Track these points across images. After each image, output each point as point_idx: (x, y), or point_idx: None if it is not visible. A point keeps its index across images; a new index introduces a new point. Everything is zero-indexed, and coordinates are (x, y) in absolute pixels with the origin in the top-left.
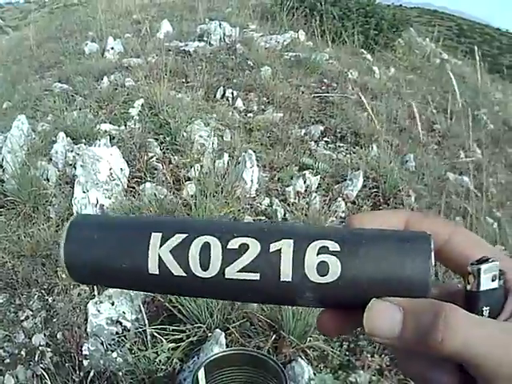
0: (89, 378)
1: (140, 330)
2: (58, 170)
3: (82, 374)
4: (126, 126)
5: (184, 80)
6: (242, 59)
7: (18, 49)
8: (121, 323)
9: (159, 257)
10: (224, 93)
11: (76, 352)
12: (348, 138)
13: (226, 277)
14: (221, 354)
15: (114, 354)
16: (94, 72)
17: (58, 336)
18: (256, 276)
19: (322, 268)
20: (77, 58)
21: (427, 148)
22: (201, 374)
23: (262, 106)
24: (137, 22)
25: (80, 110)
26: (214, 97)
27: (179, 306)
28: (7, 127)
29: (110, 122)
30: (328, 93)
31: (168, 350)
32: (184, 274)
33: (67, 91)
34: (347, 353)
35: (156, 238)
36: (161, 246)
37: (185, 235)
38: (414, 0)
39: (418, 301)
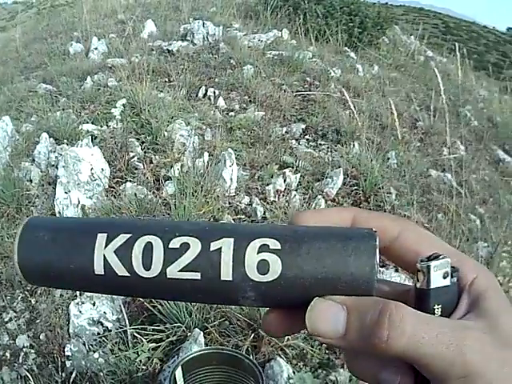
0: (71, 379)
1: (121, 330)
2: (41, 171)
3: (64, 374)
4: (107, 125)
5: (166, 79)
6: (224, 58)
7: (4, 50)
8: (102, 324)
9: (104, 257)
10: (206, 92)
11: (59, 353)
12: (329, 136)
13: (168, 276)
14: (198, 353)
15: (96, 355)
16: (78, 72)
17: (41, 337)
18: (197, 275)
19: (263, 266)
20: (61, 58)
21: (410, 145)
22: (178, 372)
23: (244, 105)
24: (121, 22)
25: (63, 110)
26: (196, 96)
27: (159, 306)
28: None
29: (93, 122)
30: (310, 91)
31: (148, 350)
32: (128, 274)
33: (51, 92)
34: (327, 351)
35: (102, 238)
36: (106, 246)
37: (129, 235)
38: None
39: (362, 299)
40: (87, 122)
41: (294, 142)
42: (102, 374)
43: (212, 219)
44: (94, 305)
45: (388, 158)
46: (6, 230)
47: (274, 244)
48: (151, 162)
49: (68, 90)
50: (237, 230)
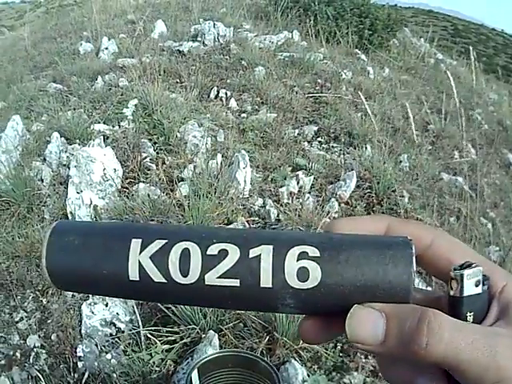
0: (83, 380)
1: (134, 331)
2: (52, 171)
3: (76, 375)
4: (119, 126)
5: (178, 80)
6: (235, 59)
7: (13, 49)
8: (115, 325)
9: (139, 263)
10: (218, 93)
11: (70, 353)
12: (342, 139)
13: (206, 283)
14: (214, 356)
15: (108, 356)
16: (89, 72)
17: (53, 337)
18: (236, 282)
19: (302, 274)
20: (71, 58)
21: (421, 148)
22: (194, 375)
23: (256, 107)
24: (131, 22)
25: (74, 110)
26: (208, 97)
27: (173, 308)
28: (2, 127)
29: (104, 122)
30: (322, 93)
31: (162, 351)
32: (164, 281)
33: (62, 91)
34: (341, 354)
35: (136, 244)
36: (141, 252)
37: (164, 241)
38: (408, 0)
39: (401, 306)
40: (99, 122)
41: (306, 144)
42: (114, 375)
43: (226, 221)
44: (106, 306)
45: (400, 161)
46: (16, 230)
47: (313, 251)
48: (164, 163)
49: (79, 90)
50: (275, 237)
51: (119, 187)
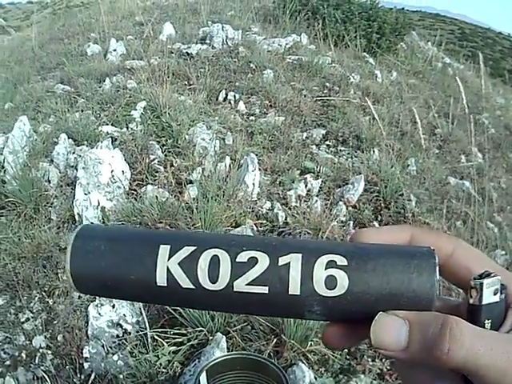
0: (90, 381)
1: (141, 333)
2: (60, 172)
3: (82, 376)
4: (127, 128)
5: (186, 82)
6: (244, 62)
7: (20, 49)
8: (121, 326)
9: (168, 269)
10: (226, 96)
11: (77, 354)
12: (350, 142)
13: (235, 290)
14: (223, 358)
15: (115, 357)
16: (97, 74)
17: (59, 338)
18: (265, 289)
19: (330, 282)
20: (79, 59)
21: (428, 152)
22: (203, 377)
23: (264, 109)
24: (139, 24)
25: (82, 111)
26: (217, 100)
27: (180, 310)
28: (9, 128)
29: (112, 124)
30: (330, 96)
31: (169, 353)
32: (192, 287)
33: (69, 93)
34: (348, 357)
35: (164, 250)
36: (169, 258)
37: (193, 248)
38: (416, 3)
39: (424, 313)
40: (107, 124)
41: (314, 147)
42: (121, 376)
43: (234, 224)
44: (113, 307)
45: (408, 165)
46: (23, 231)
47: (340, 260)
48: (172, 165)
49: (87, 92)
50: (303, 245)
51: (127, 189)
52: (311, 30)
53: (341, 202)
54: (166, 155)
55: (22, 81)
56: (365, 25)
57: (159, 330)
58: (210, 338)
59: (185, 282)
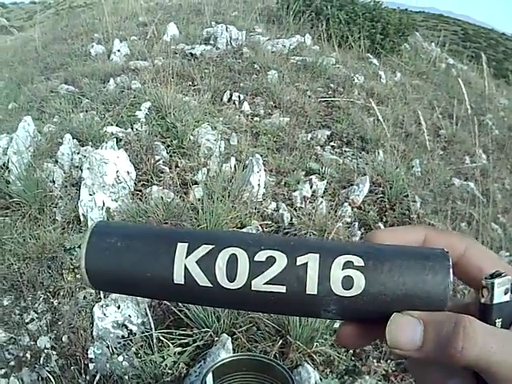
0: (95, 382)
1: (146, 333)
2: (64, 172)
3: (87, 377)
4: (132, 128)
5: (191, 83)
6: (248, 63)
7: (23, 49)
8: (127, 327)
9: (185, 267)
10: (231, 96)
11: (82, 355)
12: (354, 143)
13: (253, 289)
14: (229, 359)
15: (120, 358)
16: (101, 74)
17: (64, 339)
18: (282, 289)
19: (347, 282)
20: (83, 59)
21: (433, 153)
22: (209, 378)
23: (269, 110)
24: (143, 25)
25: (86, 112)
26: (221, 100)
27: (186, 310)
28: (13, 128)
29: (117, 125)
30: (334, 97)
31: (174, 354)
32: (210, 285)
33: (73, 93)
34: (353, 358)
35: (182, 248)
36: (187, 256)
37: (211, 246)
38: (419, 4)
39: (438, 314)
40: (111, 125)
41: (319, 148)
42: (126, 377)
43: (239, 225)
44: (118, 308)
45: (412, 166)
46: (28, 231)
47: (357, 261)
48: (177, 166)
49: (91, 92)
50: (321, 246)
51: (132, 190)
52: (315, 31)
53: (346, 203)
54: (170, 156)
55: (25, 81)
56: (368, 25)
57: (165, 330)
58: (216, 338)
59: (202, 281)
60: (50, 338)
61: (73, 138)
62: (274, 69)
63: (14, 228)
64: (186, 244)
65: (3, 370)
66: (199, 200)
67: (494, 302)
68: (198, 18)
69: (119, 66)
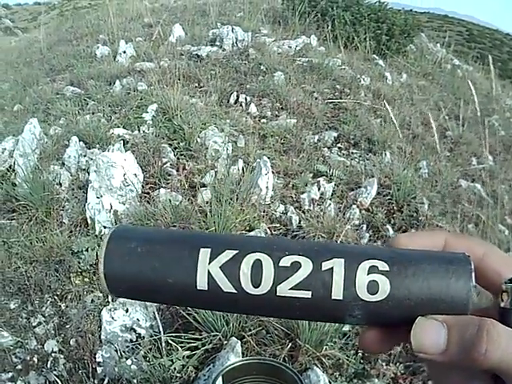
0: None
1: (155, 337)
2: (71, 175)
3: (96, 381)
4: (139, 130)
5: (197, 85)
6: (254, 64)
7: (28, 51)
8: (135, 330)
9: (208, 272)
10: (237, 98)
11: (90, 359)
12: (361, 145)
13: (278, 294)
14: (239, 363)
15: (129, 362)
16: (106, 76)
17: (71, 343)
18: (308, 294)
19: (372, 287)
20: (88, 61)
21: (440, 155)
22: (219, 382)
23: (276, 112)
24: (148, 26)
25: (93, 114)
26: (228, 102)
27: (194, 314)
28: (19, 130)
29: (124, 127)
30: (341, 99)
31: (183, 357)
32: (234, 291)
33: (79, 95)
34: (362, 361)
35: (205, 253)
36: (210, 261)
37: (235, 251)
38: (424, 5)
39: (461, 317)
40: (118, 127)
41: (326, 150)
42: (135, 381)
43: (248, 228)
44: (126, 311)
45: (419, 168)
46: (34, 234)
47: (382, 266)
48: (184, 169)
49: (97, 94)
50: (346, 251)
51: (140, 192)
52: (320, 32)
53: (354, 206)
54: (178, 158)
55: (30, 83)
56: (374, 26)
57: (173, 334)
58: (225, 342)
59: (226, 286)
60: (58, 341)
61: (79, 141)
62: (281, 70)
63: (21, 231)
64: (209, 249)
65: (10, 374)
66: (207, 203)
67: None
68: (203, 19)
69: (125, 67)
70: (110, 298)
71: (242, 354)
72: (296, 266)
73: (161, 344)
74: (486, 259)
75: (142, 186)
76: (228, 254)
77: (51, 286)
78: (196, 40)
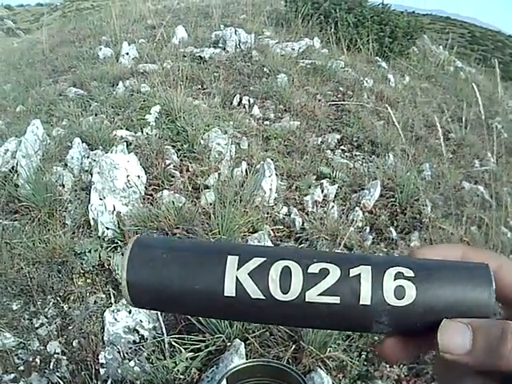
0: None
1: (158, 339)
2: (74, 176)
3: (99, 382)
4: (142, 132)
5: (200, 87)
6: (257, 66)
7: (30, 52)
8: (138, 332)
9: (237, 279)
10: (241, 100)
11: (92, 360)
12: (365, 147)
13: (307, 300)
14: (243, 366)
15: (132, 363)
16: (109, 77)
17: (74, 344)
18: (336, 299)
19: (399, 292)
20: (91, 62)
21: (443, 157)
22: None
23: (279, 114)
24: (151, 28)
25: (96, 115)
26: (231, 104)
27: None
28: (21, 131)
29: (127, 129)
30: (344, 101)
31: (186, 359)
32: (263, 297)
33: (82, 96)
34: (366, 363)
35: (233, 260)
36: (238, 268)
37: (263, 259)
38: (426, 7)
39: (485, 320)
40: (121, 128)
41: (329, 152)
42: (138, 382)
43: (251, 230)
44: (129, 313)
45: (422, 170)
46: (37, 235)
47: (407, 272)
48: (188, 170)
49: (100, 95)
50: (371, 259)
51: (143, 194)
52: (323, 34)
53: (357, 208)
54: (181, 160)
55: (33, 84)
56: (377, 29)
57: (176, 335)
58: (228, 344)
59: (255, 293)
60: (60, 342)
61: (82, 142)
62: (284, 72)
63: (24, 232)
64: (237, 257)
65: (12, 375)
66: (211, 204)
67: None
68: (206, 21)
69: (128, 69)
70: (112, 299)
71: (246, 355)
72: (324, 273)
73: (164, 346)
74: (501, 272)
75: (145, 187)
76: (256, 262)
77: (54, 287)
78: (199, 42)
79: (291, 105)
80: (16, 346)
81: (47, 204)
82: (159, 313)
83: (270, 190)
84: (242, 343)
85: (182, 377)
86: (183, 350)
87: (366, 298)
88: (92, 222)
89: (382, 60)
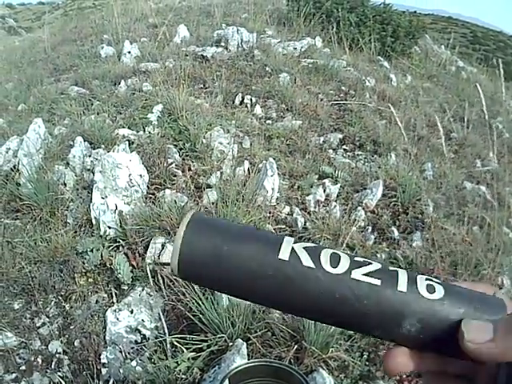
0: None
1: (160, 338)
2: (76, 175)
3: (100, 382)
4: (144, 131)
5: (202, 86)
6: (260, 65)
7: (31, 51)
8: (140, 331)
9: (292, 248)
10: (243, 99)
11: (94, 360)
12: (367, 147)
13: (352, 277)
14: (246, 366)
15: (134, 363)
16: (111, 76)
17: (76, 343)
18: (378, 282)
19: (430, 288)
20: (93, 61)
21: (444, 157)
22: None
23: (281, 113)
24: (153, 26)
25: (98, 114)
26: (233, 103)
27: (200, 315)
28: (23, 130)
29: (129, 127)
30: (346, 100)
31: (188, 359)
32: (313, 266)
33: (84, 95)
34: (367, 363)
35: (289, 239)
36: (295, 243)
37: (314, 245)
38: (428, 6)
39: (504, 316)
40: (123, 127)
41: (331, 151)
42: (140, 382)
43: None
44: (131, 312)
45: (424, 170)
46: (39, 234)
47: (436, 278)
48: (190, 169)
49: (102, 94)
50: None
51: (145, 193)
52: (325, 33)
53: (359, 207)
54: (183, 159)
55: (35, 82)
56: (379, 28)
57: (178, 335)
58: (230, 344)
59: (307, 261)
60: (62, 342)
61: (84, 141)
62: (286, 71)
63: (25, 231)
64: (292, 239)
65: (14, 375)
66: (213, 204)
67: None
68: (208, 20)
69: (130, 67)
70: (114, 298)
71: (248, 355)
72: (368, 263)
73: (166, 345)
74: None
75: (148, 186)
76: (309, 244)
77: (55, 286)
78: (201, 41)
79: (293, 104)
80: (17, 345)
81: (49, 203)
82: (161, 312)
83: (272, 189)
84: (244, 343)
85: (183, 377)
86: (185, 350)
87: (402, 285)
88: (94, 221)
89: (384, 59)
